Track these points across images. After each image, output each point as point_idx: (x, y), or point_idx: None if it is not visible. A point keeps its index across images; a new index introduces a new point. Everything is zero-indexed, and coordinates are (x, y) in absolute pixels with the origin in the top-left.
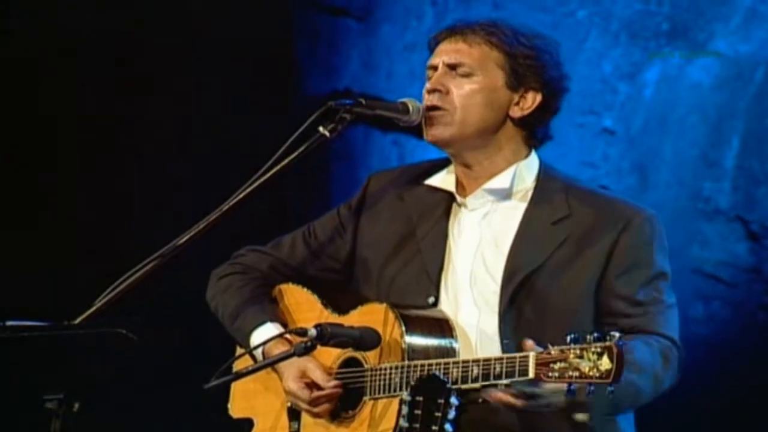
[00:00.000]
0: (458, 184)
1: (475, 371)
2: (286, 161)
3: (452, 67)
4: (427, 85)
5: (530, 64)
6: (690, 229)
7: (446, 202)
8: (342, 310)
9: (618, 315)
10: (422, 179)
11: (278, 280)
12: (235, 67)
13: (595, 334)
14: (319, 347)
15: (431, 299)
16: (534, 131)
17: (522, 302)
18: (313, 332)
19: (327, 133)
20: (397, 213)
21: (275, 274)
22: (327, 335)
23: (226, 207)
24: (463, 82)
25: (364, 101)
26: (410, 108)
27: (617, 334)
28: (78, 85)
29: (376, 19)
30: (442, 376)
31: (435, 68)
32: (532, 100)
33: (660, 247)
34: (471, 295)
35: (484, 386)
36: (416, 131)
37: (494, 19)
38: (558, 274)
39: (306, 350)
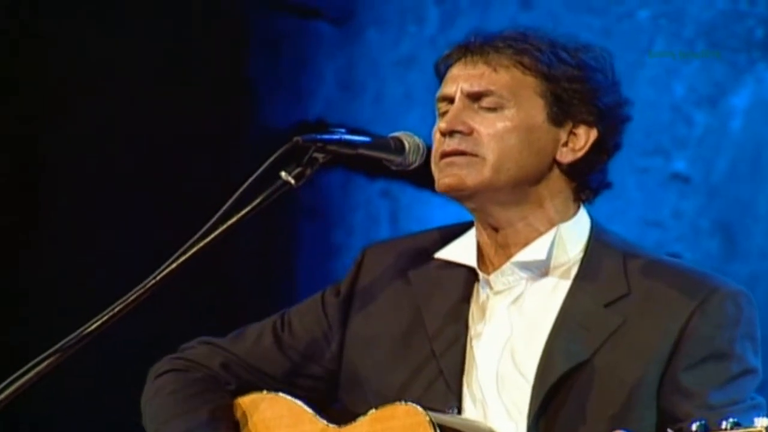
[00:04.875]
0: (480, 255)
1: None
2: (235, 219)
3: (475, 97)
4: (441, 124)
5: (578, 88)
6: None
7: (465, 281)
8: (343, 420)
9: (682, 419)
10: (432, 252)
11: (232, 384)
12: (169, 90)
13: (732, 420)
14: None
15: (453, 412)
16: (588, 180)
17: (558, 407)
18: None
19: (292, 180)
20: (402, 299)
21: (228, 375)
22: None
23: (151, 282)
24: (491, 118)
25: (342, 136)
26: (406, 145)
27: (767, 420)
28: None
29: (359, 22)
30: None
31: (450, 99)
32: (586, 137)
33: (747, 335)
34: (501, 403)
35: None
36: (414, 177)
37: (523, 31)
38: (609, 371)
39: None
